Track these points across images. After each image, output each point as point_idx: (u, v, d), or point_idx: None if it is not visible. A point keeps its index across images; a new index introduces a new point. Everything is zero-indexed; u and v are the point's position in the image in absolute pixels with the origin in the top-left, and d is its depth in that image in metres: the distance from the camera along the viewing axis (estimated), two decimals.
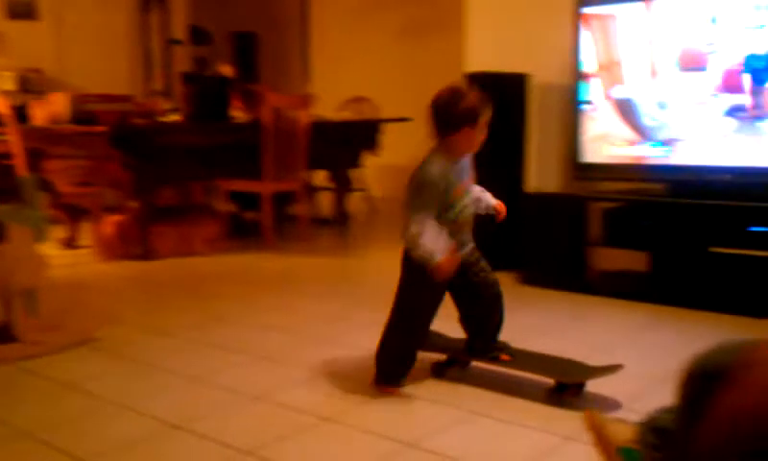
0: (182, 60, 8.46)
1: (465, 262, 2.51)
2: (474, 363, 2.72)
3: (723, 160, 3.67)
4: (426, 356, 2.70)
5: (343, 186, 6.27)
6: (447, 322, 2.64)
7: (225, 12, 9.34)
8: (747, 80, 3.52)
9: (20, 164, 4.92)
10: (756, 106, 3.52)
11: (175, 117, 5.52)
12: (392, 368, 2.56)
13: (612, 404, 2.40)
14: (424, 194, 2.38)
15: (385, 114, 6.77)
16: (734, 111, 3.58)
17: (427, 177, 2.39)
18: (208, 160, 5.25)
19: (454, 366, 2.72)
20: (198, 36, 8.82)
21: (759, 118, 3.53)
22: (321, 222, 6.27)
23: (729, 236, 3.54)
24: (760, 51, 3.47)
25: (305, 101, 5.65)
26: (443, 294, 2.54)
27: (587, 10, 4.03)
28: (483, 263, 2.58)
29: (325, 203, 6.56)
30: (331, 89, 7.71)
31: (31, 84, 7.19)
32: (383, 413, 2.40)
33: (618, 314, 3.61)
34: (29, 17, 7.54)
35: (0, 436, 2.26)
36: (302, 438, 2.21)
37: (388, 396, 2.52)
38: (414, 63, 7.91)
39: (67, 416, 2.41)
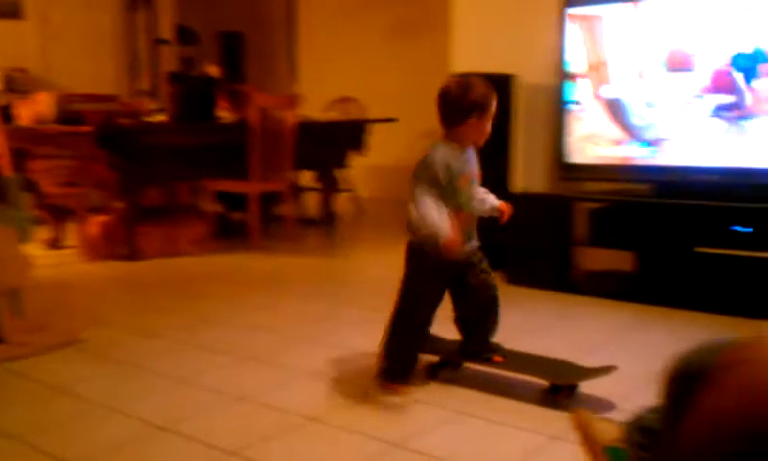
0: (169, 59, 8.43)
1: (468, 260, 2.52)
2: (467, 365, 2.72)
3: (709, 161, 3.69)
4: (420, 358, 2.69)
5: (329, 187, 6.27)
6: (442, 323, 2.63)
7: (211, 12, 9.30)
8: (733, 80, 3.55)
9: (5, 164, 4.88)
10: (742, 106, 3.55)
11: (160, 117, 5.50)
12: (395, 365, 2.55)
13: (606, 405, 2.41)
14: (428, 178, 2.39)
15: (372, 115, 6.77)
16: (720, 112, 3.61)
17: (431, 161, 2.40)
18: (195, 161, 5.23)
19: (447, 367, 2.72)
20: (184, 35, 8.79)
21: (745, 118, 3.55)
22: (307, 222, 6.26)
23: (714, 236, 3.56)
24: (747, 50, 3.49)
25: (292, 101, 5.64)
26: (444, 288, 2.53)
27: (573, 10, 4.05)
28: (485, 265, 2.57)
29: (312, 203, 6.56)
30: (318, 89, 7.71)
31: (16, 84, 7.14)
32: (370, 413, 2.40)
33: (604, 314, 3.63)
34: (14, 16, 7.49)
35: None
36: (288, 438, 2.21)
37: (391, 393, 2.51)
38: (400, 64, 7.92)
39: (54, 418, 2.40)
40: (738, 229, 3.50)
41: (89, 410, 2.45)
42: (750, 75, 3.50)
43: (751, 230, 3.47)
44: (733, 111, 3.57)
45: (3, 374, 2.82)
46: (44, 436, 2.24)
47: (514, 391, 2.54)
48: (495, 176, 4.41)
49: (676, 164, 3.79)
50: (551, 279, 4.05)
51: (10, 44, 7.29)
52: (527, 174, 4.62)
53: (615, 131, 3.94)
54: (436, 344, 2.75)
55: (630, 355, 2.92)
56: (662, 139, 3.81)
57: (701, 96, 3.64)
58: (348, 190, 6.97)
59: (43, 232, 5.26)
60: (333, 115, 7.01)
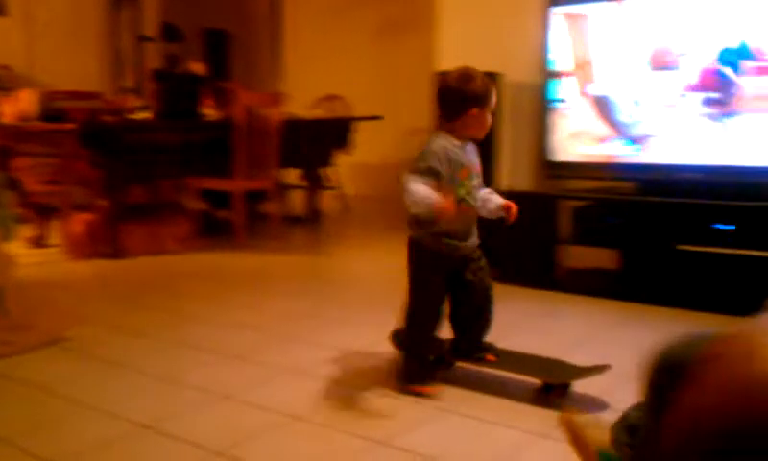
0: (154, 57, 8.39)
1: (467, 256, 2.51)
2: (459, 364, 2.71)
3: (693, 159, 3.71)
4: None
5: (315, 185, 6.27)
6: None
7: (196, 9, 9.27)
8: (718, 78, 3.57)
9: None
10: (726, 104, 3.57)
11: (144, 115, 5.48)
12: (413, 366, 2.53)
13: (589, 401, 2.42)
14: (423, 169, 2.37)
15: (358, 113, 6.78)
16: (704, 110, 3.63)
17: (427, 152, 2.40)
18: (179, 158, 5.22)
19: (439, 366, 2.71)
20: (169, 33, 8.75)
21: (728, 115, 3.57)
22: (293, 220, 6.26)
23: (697, 234, 3.59)
24: (731, 48, 3.52)
25: (277, 99, 5.63)
26: (445, 281, 2.50)
27: (558, 9, 4.06)
28: (483, 263, 2.56)
29: (298, 201, 6.56)
30: (304, 88, 7.70)
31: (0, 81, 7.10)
32: (355, 411, 2.41)
33: (588, 311, 3.65)
34: None
35: None
36: (273, 437, 2.22)
37: (419, 396, 2.48)
38: (386, 62, 7.93)
39: (39, 418, 2.39)
40: (720, 226, 3.53)
41: (74, 409, 2.44)
42: (734, 73, 3.53)
43: (734, 227, 3.50)
44: (717, 109, 3.60)
45: None
46: (29, 436, 2.23)
47: (506, 390, 2.54)
48: (481, 174, 4.43)
49: (660, 162, 3.82)
50: (535, 277, 4.07)
51: None
52: (512, 172, 4.64)
53: (602, 128, 3.96)
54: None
55: (613, 352, 2.93)
56: (647, 137, 3.83)
57: (685, 94, 3.67)
58: (334, 188, 6.97)
59: (27, 231, 5.24)
60: (319, 113, 7.00)
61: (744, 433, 0.62)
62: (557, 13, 4.06)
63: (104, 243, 4.94)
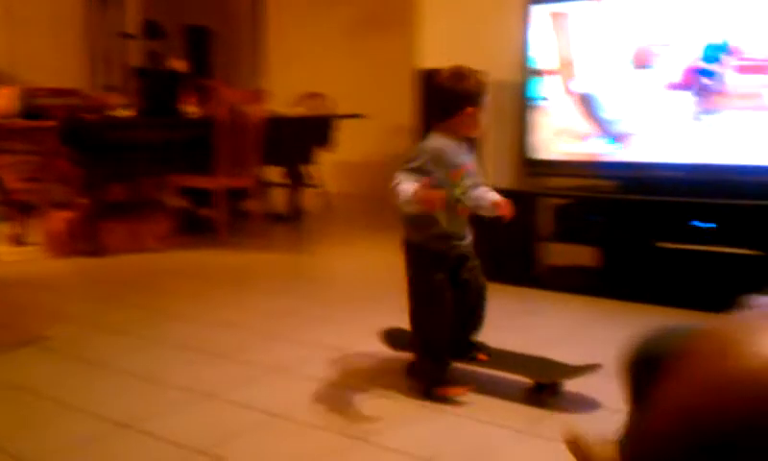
0: (135, 54, 8.35)
1: (462, 255, 2.50)
2: (453, 363, 2.67)
3: (673, 157, 3.73)
4: (403, 356, 2.69)
5: (297, 182, 6.26)
6: None
7: (178, 6, 9.23)
8: (698, 76, 3.59)
9: None
10: (707, 102, 3.59)
11: (125, 112, 5.45)
12: (434, 371, 2.47)
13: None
14: (413, 163, 2.34)
15: (341, 110, 6.77)
16: (686, 109, 3.65)
17: (420, 150, 2.38)
18: (160, 156, 5.20)
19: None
20: (151, 30, 8.71)
21: (708, 113, 3.59)
22: (275, 218, 6.25)
23: (677, 232, 3.61)
24: (712, 46, 3.54)
25: (259, 96, 5.62)
26: (446, 279, 2.45)
27: (539, 6, 4.07)
28: (477, 262, 2.55)
29: (280, 199, 6.55)
30: (287, 85, 7.68)
31: None
32: (338, 409, 2.40)
33: (567, 308, 3.67)
34: None
35: None
36: (255, 435, 2.22)
37: (448, 400, 2.42)
38: (368, 60, 7.92)
39: (18, 417, 2.37)
40: (698, 224, 3.56)
41: (54, 409, 2.43)
42: (715, 71, 3.56)
43: (714, 225, 3.53)
44: (699, 107, 3.62)
45: None
46: (7, 435, 2.22)
47: (497, 389, 2.52)
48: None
49: (641, 160, 3.84)
50: (516, 274, 4.08)
51: None
52: (494, 170, 4.65)
53: (584, 126, 3.98)
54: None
55: (594, 350, 2.95)
56: (628, 135, 3.86)
57: (666, 92, 3.69)
58: (316, 186, 6.97)
59: (6, 228, 5.20)
60: (301, 111, 6.99)
61: (716, 431, 0.63)
62: (538, 11, 4.08)
63: (84, 241, 4.91)
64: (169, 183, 5.62)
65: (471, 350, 2.61)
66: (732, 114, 3.54)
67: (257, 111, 5.42)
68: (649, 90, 3.74)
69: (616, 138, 3.88)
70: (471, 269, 2.53)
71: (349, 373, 2.73)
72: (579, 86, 3.98)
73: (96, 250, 4.89)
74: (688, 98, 3.63)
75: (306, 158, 6.32)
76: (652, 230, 3.69)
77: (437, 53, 4.77)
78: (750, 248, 3.43)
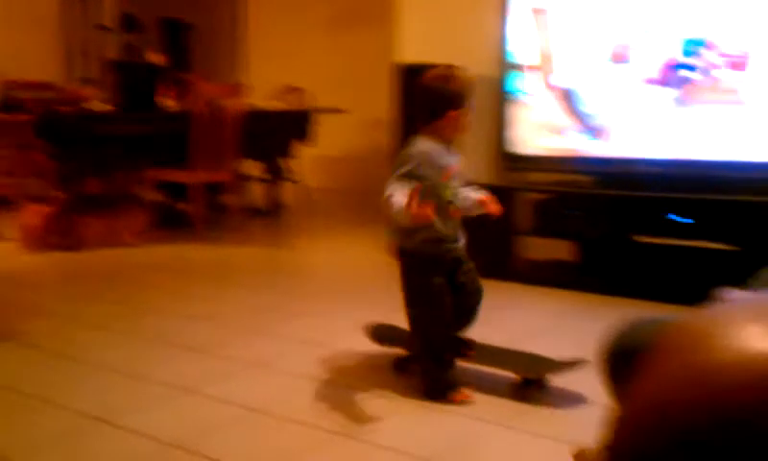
0: (112, 47, 8.29)
1: (456, 259, 2.48)
2: None
3: (651, 152, 3.76)
4: (390, 352, 2.69)
5: (276, 177, 6.24)
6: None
7: None
8: (676, 71, 3.62)
9: None
10: (685, 97, 3.62)
11: (101, 105, 5.41)
12: (438, 375, 2.45)
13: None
14: (404, 173, 2.30)
15: (320, 104, 6.75)
16: (664, 104, 3.68)
17: (407, 155, 2.35)
18: (136, 150, 5.16)
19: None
20: (128, 22, 8.64)
21: (687, 108, 3.62)
22: (253, 212, 6.23)
23: (654, 226, 3.64)
24: (689, 41, 3.57)
25: (237, 90, 5.59)
26: (444, 282, 2.43)
27: (518, 1, 4.08)
28: (472, 265, 2.54)
29: (258, 193, 6.52)
30: (266, 79, 7.65)
31: None
32: (319, 404, 2.40)
33: (544, 302, 3.69)
34: None
35: None
36: (233, 430, 2.21)
37: (453, 402, 2.39)
38: (347, 54, 7.90)
39: None
40: (676, 218, 3.59)
41: (30, 403, 2.41)
42: (692, 66, 3.58)
43: (691, 220, 3.56)
44: (677, 103, 3.64)
45: None
46: None
47: (482, 384, 2.51)
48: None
49: (620, 155, 3.86)
50: (493, 268, 4.08)
51: None
52: (473, 165, 4.65)
53: (563, 121, 3.99)
54: (405, 337, 2.66)
55: (570, 343, 2.97)
56: (607, 130, 3.88)
57: (644, 87, 3.71)
58: (295, 181, 6.95)
59: None
60: (279, 105, 6.96)
61: (688, 425, 0.64)
62: (517, 6, 4.09)
63: (60, 235, 4.87)
64: (146, 177, 5.58)
65: (458, 346, 2.59)
66: (709, 109, 3.57)
67: (236, 105, 5.39)
68: (627, 85, 3.76)
69: (595, 133, 3.90)
70: (467, 272, 2.51)
71: (329, 368, 2.72)
72: (559, 81, 3.99)
73: (72, 244, 4.85)
74: (666, 93, 3.66)
75: (285, 153, 6.30)
76: (630, 225, 3.71)
77: (416, 47, 4.77)
78: (726, 243, 3.46)
